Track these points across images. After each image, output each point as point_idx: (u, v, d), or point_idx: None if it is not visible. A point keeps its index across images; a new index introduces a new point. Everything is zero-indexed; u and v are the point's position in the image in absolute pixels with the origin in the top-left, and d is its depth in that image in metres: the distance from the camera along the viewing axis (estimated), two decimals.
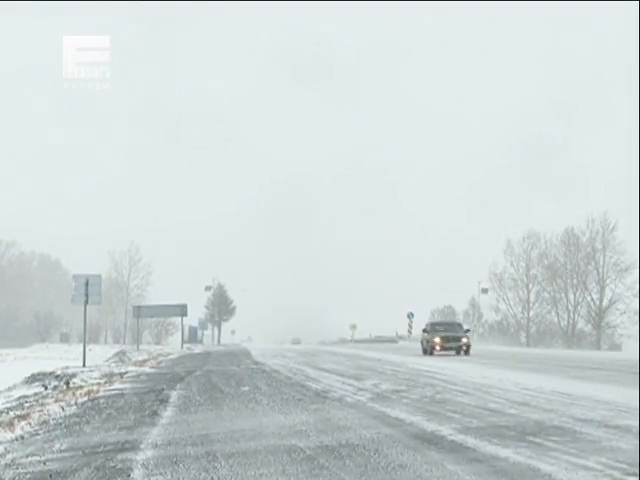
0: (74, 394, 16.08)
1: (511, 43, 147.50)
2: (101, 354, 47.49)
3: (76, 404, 14.06)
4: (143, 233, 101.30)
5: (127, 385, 18.45)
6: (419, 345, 39.42)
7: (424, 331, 38.68)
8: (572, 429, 8.89)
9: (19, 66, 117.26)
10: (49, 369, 24.80)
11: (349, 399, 12.98)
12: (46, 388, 19.05)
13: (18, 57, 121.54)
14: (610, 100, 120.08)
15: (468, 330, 39.16)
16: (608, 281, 76.64)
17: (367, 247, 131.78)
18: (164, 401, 13.88)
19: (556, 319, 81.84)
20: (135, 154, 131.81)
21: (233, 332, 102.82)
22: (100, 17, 75.31)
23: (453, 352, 34.94)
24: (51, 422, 11.62)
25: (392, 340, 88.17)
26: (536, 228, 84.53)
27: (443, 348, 35.25)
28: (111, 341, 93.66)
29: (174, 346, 68.38)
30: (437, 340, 35.75)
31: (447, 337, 35.92)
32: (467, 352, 34.80)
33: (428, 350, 36.11)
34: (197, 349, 59.12)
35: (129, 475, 7.10)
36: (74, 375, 22.13)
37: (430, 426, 9.31)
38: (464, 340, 35.65)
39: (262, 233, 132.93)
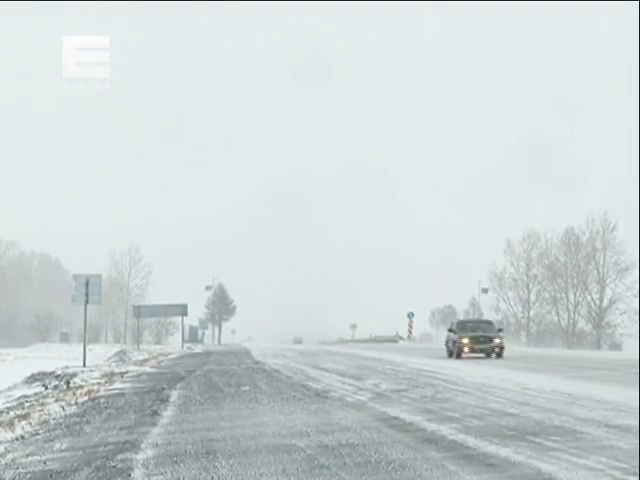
0: (74, 394, 16.07)
1: (511, 43, 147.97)
2: (101, 354, 47.41)
3: (76, 404, 14.05)
4: (143, 233, 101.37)
5: (127, 385, 18.45)
6: (420, 345, 38.42)
7: (449, 330, 33.87)
8: (572, 429, 8.89)
9: (19, 66, 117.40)
10: (49, 369, 24.76)
11: (349, 399, 12.98)
12: (46, 388, 19.03)
13: (18, 57, 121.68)
14: (610, 100, 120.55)
15: (501, 329, 34.08)
16: (608, 281, 76.64)
17: (367, 247, 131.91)
18: (164, 401, 13.88)
19: (556, 319, 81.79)
20: (135, 154, 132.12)
21: (233, 332, 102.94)
22: (100, 17, 75.45)
23: (483, 355, 30.58)
24: (51, 422, 11.62)
25: (392, 340, 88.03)
26: (536, 228, 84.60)
27: (472, 350, 30.75)
28: (111, 341, 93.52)
29: (174, 346, 68.37)
30: (465, 341, 31.08)
31: (477, 337, 31.10)
32: (500, 355, 30.33)
33: (455, 352, 31.27)
34: (197, 349, 59.10)
35: (129, 475, 7.09)
36: (74, 375, 22.12)
37: (430, 426, 9.31)
38: (496, 341, 30.88)
39: (262, 233, 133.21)
